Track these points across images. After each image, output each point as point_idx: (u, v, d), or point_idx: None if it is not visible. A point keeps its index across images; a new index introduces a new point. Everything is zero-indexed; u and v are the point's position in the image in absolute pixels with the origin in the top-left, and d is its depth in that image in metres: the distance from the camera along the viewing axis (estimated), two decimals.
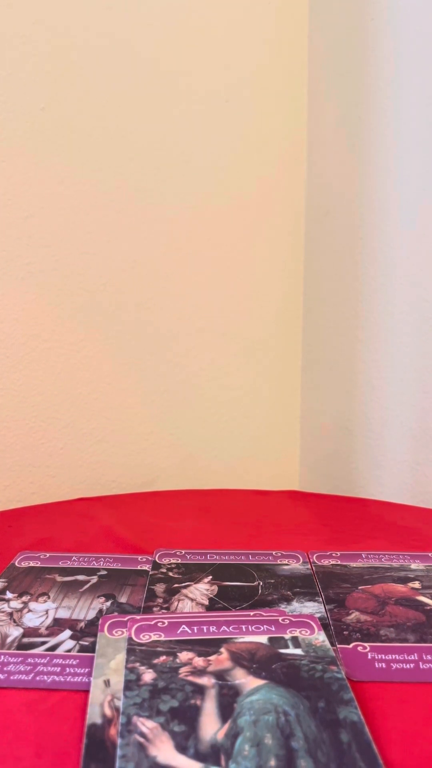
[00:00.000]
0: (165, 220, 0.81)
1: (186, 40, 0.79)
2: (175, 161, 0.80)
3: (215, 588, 0.53)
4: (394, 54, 0.74)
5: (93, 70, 0.75)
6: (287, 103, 0.85)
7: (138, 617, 0.46)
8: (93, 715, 0.36)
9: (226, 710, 0.36)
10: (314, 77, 0.84)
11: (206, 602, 0.50)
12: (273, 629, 0.45)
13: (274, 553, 0.59)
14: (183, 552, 0.59)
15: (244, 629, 0.45)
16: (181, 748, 0.34)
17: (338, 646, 0.44)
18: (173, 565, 0.57)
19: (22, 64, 0.72)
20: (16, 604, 0.50)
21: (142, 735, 0.34)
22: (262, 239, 0.86)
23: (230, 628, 0.45)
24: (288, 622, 0.46)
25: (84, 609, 0.49)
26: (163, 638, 0.43)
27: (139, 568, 0.56)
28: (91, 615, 0.48)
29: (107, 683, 0.39)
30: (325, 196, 0.85)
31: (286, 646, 0.43)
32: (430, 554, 0.59)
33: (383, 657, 0.43)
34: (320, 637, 0.44)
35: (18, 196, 0.73)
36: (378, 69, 0.76)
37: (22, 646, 0.44)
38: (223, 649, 0.42)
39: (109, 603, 0.50)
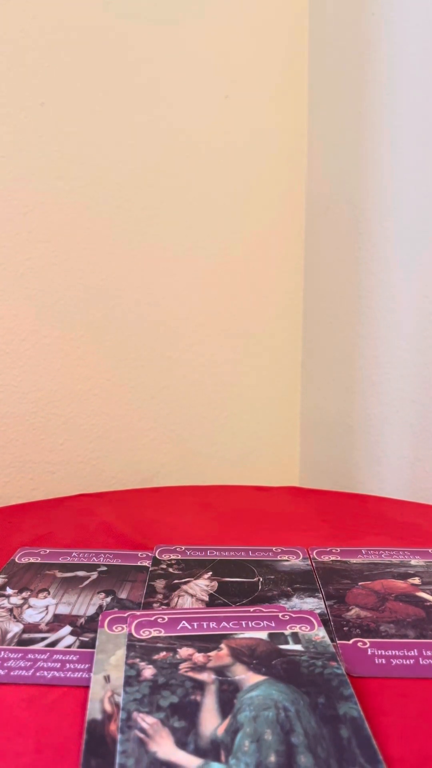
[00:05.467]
0: (165, 215, 0.81)
1: (186, 35, 0.78)
2: (175, 157, 0.80)
3: (215, 584, 0.53)
4: (395, 48, 0.74)
5: (92, 65, 0.75)
6: (287, 99, 0.85)
7: (138, 613, 0.46)
8: (93, 711, 0.36)
9: (226, 706, 0.36)
10: (315, 72, 0.84)
11: (206, 598, 0.50)
12: (273, 625, 0.45)
13: (274, 549, 0.59)
14: (183, 548, 0.59)
15: (244, 625, 0.45)
16: (181, 744, 0.34)
17: (338, 641, 0.44)
18: (173, 561, 0.57)
19: (22, 59, 0.71)
20: (16, 600, 0.50)
21: (142, 731, 0.34)
22: (262, 235, 0.86)
23: (230, 624, 0.45)
24: (288, 617, 0.46)
25: (84, 605, 0.49)
26: (163, 634, 0.43)
27: (139, 564, 0.56)
28: (91, 611, 0.48)
29: (107, 679, 0.39)
30: (326, 191, 0.84)
31: (286, 642, 0.43)
32: (430, 550, 0.59)
33: (383, 653, 0.43)
34: (320, 633, 0.44)
35: (17, 192, 0.73)
36: (378, 64, 0.75)
37: (22, 642, 0.44)
38: (223, 645, 0.42)
39: (109, 599, 0.50)
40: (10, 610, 0.49)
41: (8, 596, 0.51)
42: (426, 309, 0.74)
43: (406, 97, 0.73)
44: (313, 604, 0.49)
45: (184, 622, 0.45)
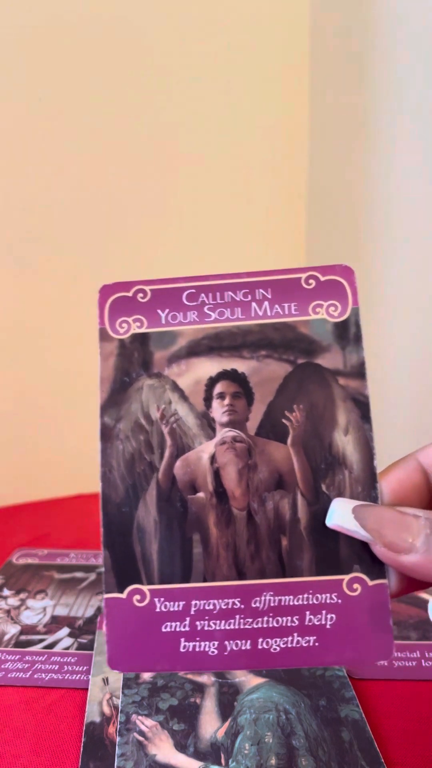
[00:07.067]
0: (164, 212, 0.80)
1: (185, 25, 0.78)
2: (174, 154, 0.80)
3: None
4: (397, 38, 0.73)
5: (91, 60, 0.74)
6: (288, 90, 0.84)
7: None
8: (91, 714, 0.36)
9: (226, 708, 0.36)
10: (316, 62, 0.84)
11: None
12: None
13: None
14: None
15: None
16: (181, 747, 0.33)
17: None
18: None
19: (20, 54, 0.71)
20: (13, 601, 0.50)
21: (141, 733, 0.34)
22: (263, 233, 0.86)
23: None
24: None
25: (82, 606, 0.49)
26: None
27: None
28: (90, 612, 0.48)
29: (106, 681, 0.39)
30: (327, 186, 0.84)
31: None
32: None
33: None
34: None
35: (14, 189, 0.73)
36: (380, 53, 0.75)
37: (19, 644, 0.44)
38: None
39: None
40: (8, 612, 0.48)
41: (5, 597, 0.50)
42: (427, 306, 0.73)
43: (409, 92, 0.73)
44: None
45: None
